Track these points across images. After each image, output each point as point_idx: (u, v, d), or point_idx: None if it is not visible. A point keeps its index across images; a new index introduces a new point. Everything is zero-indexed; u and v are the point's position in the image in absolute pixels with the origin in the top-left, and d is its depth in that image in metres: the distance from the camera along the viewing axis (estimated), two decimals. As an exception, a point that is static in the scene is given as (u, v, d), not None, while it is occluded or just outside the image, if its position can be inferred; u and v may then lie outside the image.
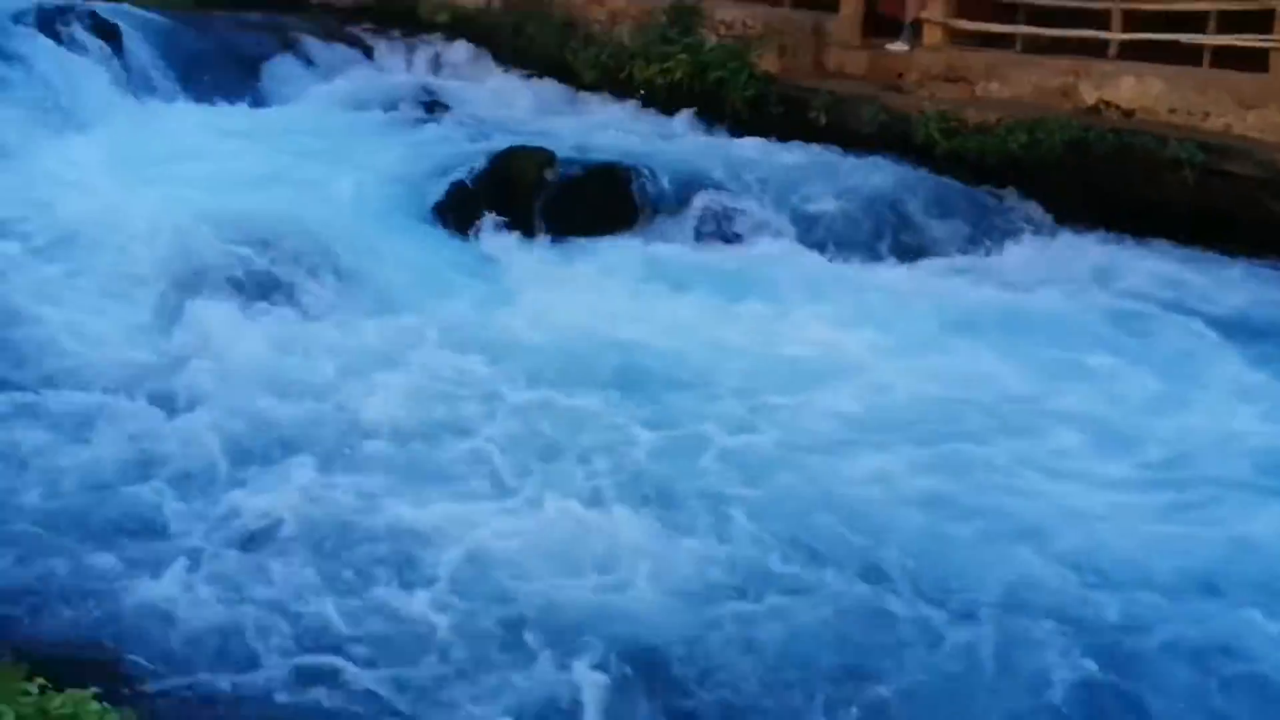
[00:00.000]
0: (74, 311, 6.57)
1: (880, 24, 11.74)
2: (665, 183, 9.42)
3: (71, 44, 11.38)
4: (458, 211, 9.09)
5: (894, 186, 9.29)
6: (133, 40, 12.10)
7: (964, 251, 8.97)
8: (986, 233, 9.05)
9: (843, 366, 6.82)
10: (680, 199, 9.27)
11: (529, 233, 9.01)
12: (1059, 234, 9.16)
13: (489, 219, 9.06)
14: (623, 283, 8.09)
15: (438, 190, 9.16)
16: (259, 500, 5.18)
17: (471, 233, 9.01)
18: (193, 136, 10.59)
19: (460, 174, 9.32)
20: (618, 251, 8.71)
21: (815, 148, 10.25)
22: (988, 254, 8.94)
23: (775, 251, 8.73)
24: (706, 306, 7.68)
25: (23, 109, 9.95)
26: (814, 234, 8.96)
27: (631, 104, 12.21)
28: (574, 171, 9.44)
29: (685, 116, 11.59)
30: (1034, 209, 9.29)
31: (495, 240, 8.94)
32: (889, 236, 8.91)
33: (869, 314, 7.61)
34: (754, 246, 8.82)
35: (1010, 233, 9.07)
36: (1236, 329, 7.54)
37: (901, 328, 7.35)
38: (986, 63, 10.18)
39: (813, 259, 8.72)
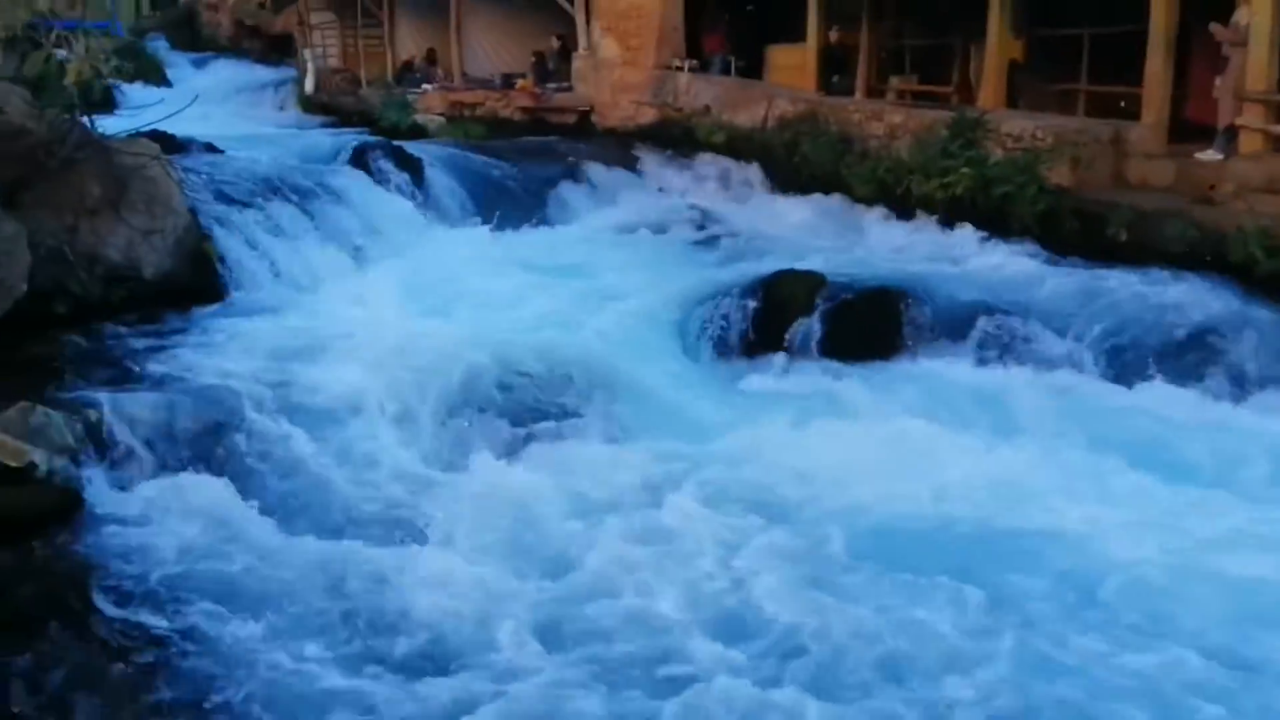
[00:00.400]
0: (358, 438, 6.86)
1: (1187, 131, 10.86)
2: (944, 304, 8.93)
3: (380, 177, 12.38)
4: (726, 337, 9.02)
5: (1209, 310, 8.32)
6: (433, 171, 13.05)
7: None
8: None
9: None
10: (960, 323, 8.73)
11: (801, 359, 8.75)
12: None
13: (759, 345, 8.93)
14: (909, 419, 7.52)
15: (706, 315, 9.13)
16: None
17: (741, 359, 8.88)
18: (481, 261, 11.16)
19: (729, 298, 9.25)
20: (894, 380, 8.27)
21: (1114, 267, 9.44)
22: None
23: (1074, 385, 7.99)
24: (1020, 458, 6.95)
25: (333, 238, 10.80)
26: (1120, 365, 8.14)
27: (909, 220, 11.86)
28: (846, 295, 9.12)
29: (967, 233, 11.10)
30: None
31: (766, 367, 8.77)
32: (1208, 367, 7.94)
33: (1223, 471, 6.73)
34: (1047, 378, 8.10)
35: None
36: None
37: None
38: (1318, 172, 9.10)
39: (1123, 395, 7.89)
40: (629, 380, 7.87)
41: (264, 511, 6.09)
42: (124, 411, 6.48)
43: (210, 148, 13.66)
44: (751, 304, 9.18)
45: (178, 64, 29.26)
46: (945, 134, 11.65)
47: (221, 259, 9.59)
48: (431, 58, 20.56)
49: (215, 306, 9.18)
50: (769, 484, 6.63)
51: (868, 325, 8.87)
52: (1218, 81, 10.19)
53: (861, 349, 8.73)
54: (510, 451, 7.01)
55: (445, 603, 5.34)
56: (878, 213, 12.32)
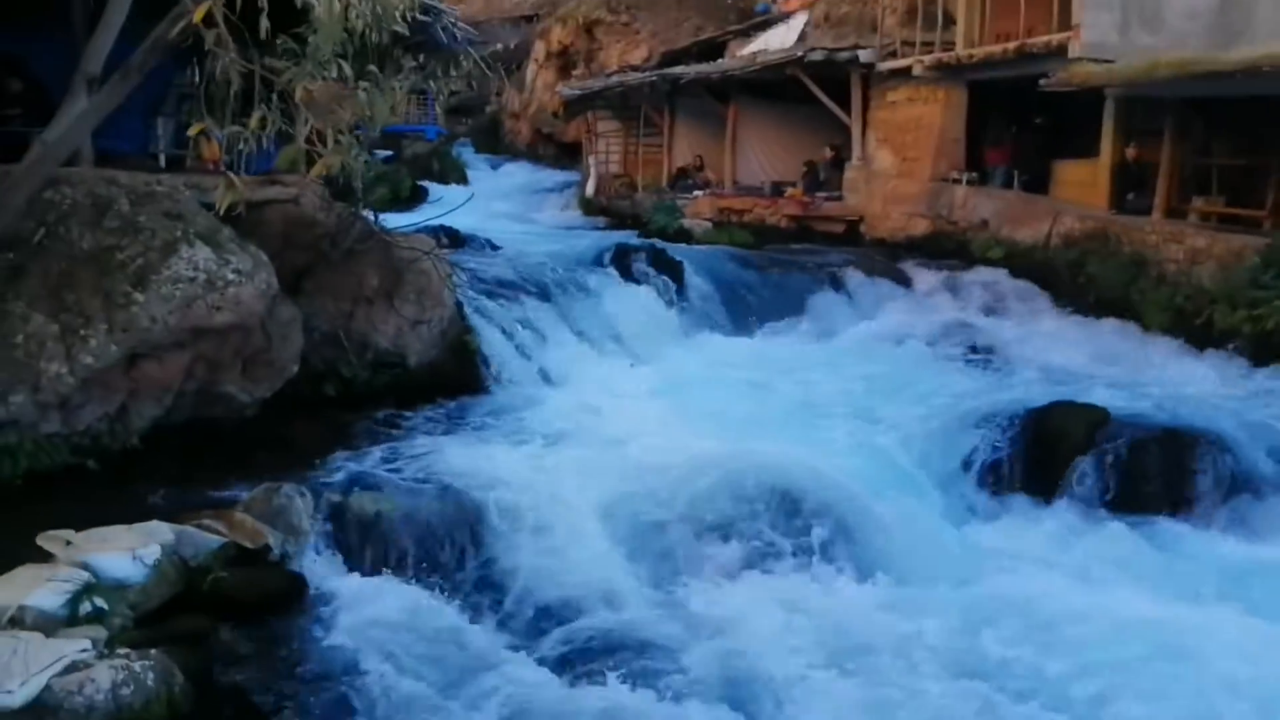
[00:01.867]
0: (582, 551, 6.67)
1: None
2: (1254, 457, 7.80)
3: (640, 279, 12.51)
4: (991, 473, 8.24)
5: None
6: (693, 275, 13.06)
7: None
8: None
9: None
10: (1270, 484, 7.58)
11: (1074, 505, 7.85)
12: None
13: (1027, 485, 8.12)
14: (1210, 607, 6.39)
15: (970, 446, 8.38)
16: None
17: (1004, 498, 8.09)
18: (732, 369, 10.94)
19: (997, 429, 8.47)
20: (1179, 540, 7.24)
21: None
22: None
23: None
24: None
25: (588, 338, 10.93)
26: None
27: (1210, 354, 10.70)
28: (1134, 434, 8.14)
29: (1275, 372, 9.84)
30: None
31: (1033, 513, 7.90)
32: None
33: None
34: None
35: None
36: None
37: None
38: None
39: None
40: (872, 513, 7.27)
41: (480, 621, 5.98)
42: (365, 501, 6.60)
43: (490, 244, 14.37)
44: (1020, 437, 8.37)
45: (478, 166, 31.54)
46: (1257, 261, 10.49)
47: (481, 352, 9.86)
48: (700, 164, 20.96)
49: (471, 399, 9.42)
50: (1015, 656, 5.82)
51: (1155, 474, 7.86)
52: None
53: (1146, 502, 7.72)
54: (731, 576, 6.60)
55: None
56: (1172, 343, 11.22)
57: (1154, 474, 7.83)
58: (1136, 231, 12.54)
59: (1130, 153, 13.85)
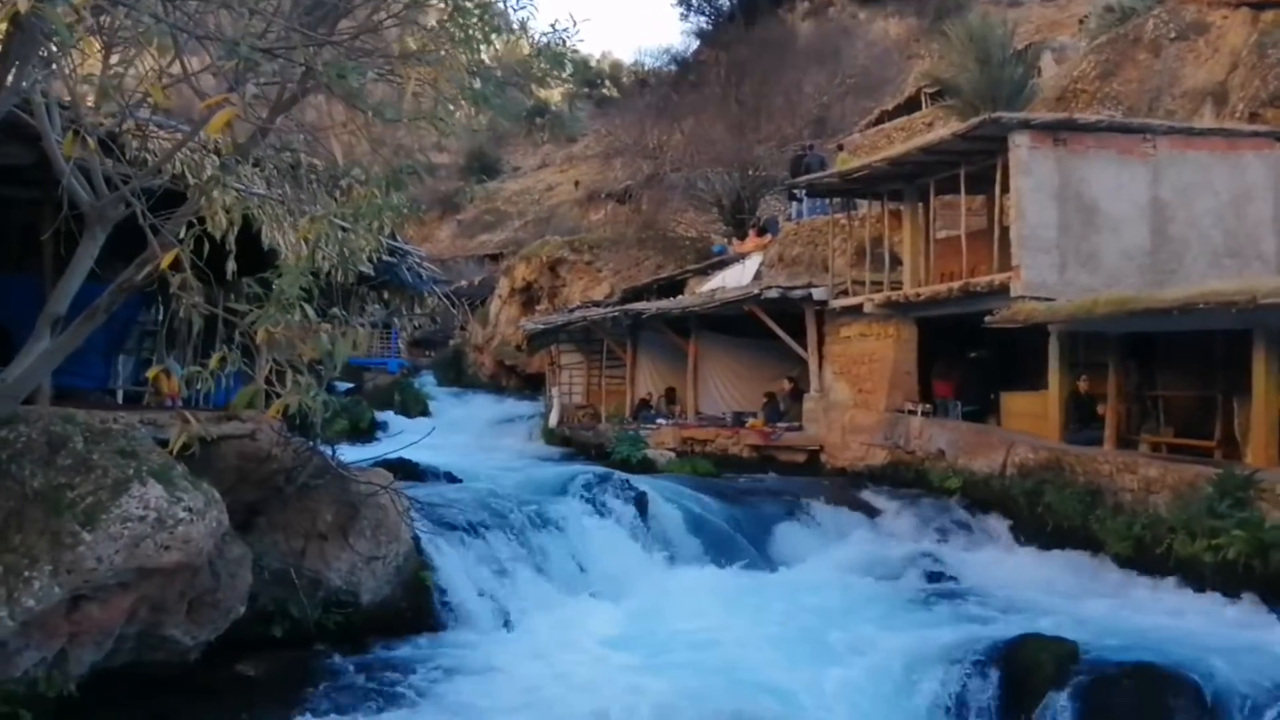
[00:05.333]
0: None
1: None
2: (1227, 694, 7.61)
3: (604, 511, 12.42)
4: (960, 712, 7.98)
5: None
6: (659, 505, 13.00)
7: None
8: None
9: None
10: (1248, 716, 7.38)
11: (1050, 747, 7.59)
12: None
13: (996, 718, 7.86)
14: None
15: (934, 686, 8.14)
16: None
17: (974, 735, 7.81)
18: (698, 603, 10.72)
19: (963, 665, 8.26)
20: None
21: None
22: None
23: None
24: None
25: (551, 573, 10.71)
26: None
27: (1170, 583, 10.69)
28: (1106, 670, 7.97)
29: (1245, 603, 9.81)
30: None
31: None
32: None
33: None
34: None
35: None
36: None
37: None
38: None
39: None
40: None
41: None
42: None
43: (449, 477, 14.28)
44: (990, 674, 8.16)
45: (441, 397, 31.83)
46: (1210, 491, 10.62)
47: (440, 589, 9.62)
48: (671, 396, 21.31)
49: (426, 639, 9.11)
50: None
51: (1130, 708, 7.64)
52: None
53: (1122, 738, 7.49)
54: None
55: None
56: (1132, 573, 11.19)
57: (1128, 711, 7.59)
58: (1090, 461, 12.72)
59: (1082, 385, 14.26)
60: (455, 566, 10.01)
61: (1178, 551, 10.63)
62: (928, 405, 16.04)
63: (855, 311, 17.02)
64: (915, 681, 8.29)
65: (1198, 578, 10.43)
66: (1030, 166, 14.31)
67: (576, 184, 43.82)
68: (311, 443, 8.92)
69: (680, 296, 21.96)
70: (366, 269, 7.04)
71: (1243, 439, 12.23)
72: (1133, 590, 10.85)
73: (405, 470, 12.96)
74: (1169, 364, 14.12)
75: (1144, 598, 10.58)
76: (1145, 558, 11.15)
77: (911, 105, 28.86)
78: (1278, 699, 7.39)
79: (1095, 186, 14.52)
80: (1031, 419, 14.73)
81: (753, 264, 21.90)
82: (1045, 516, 12.83)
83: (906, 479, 15.35)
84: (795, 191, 20.46)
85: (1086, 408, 14.24)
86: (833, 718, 7.54)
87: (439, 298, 10.65)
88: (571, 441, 22.03)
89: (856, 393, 17.02)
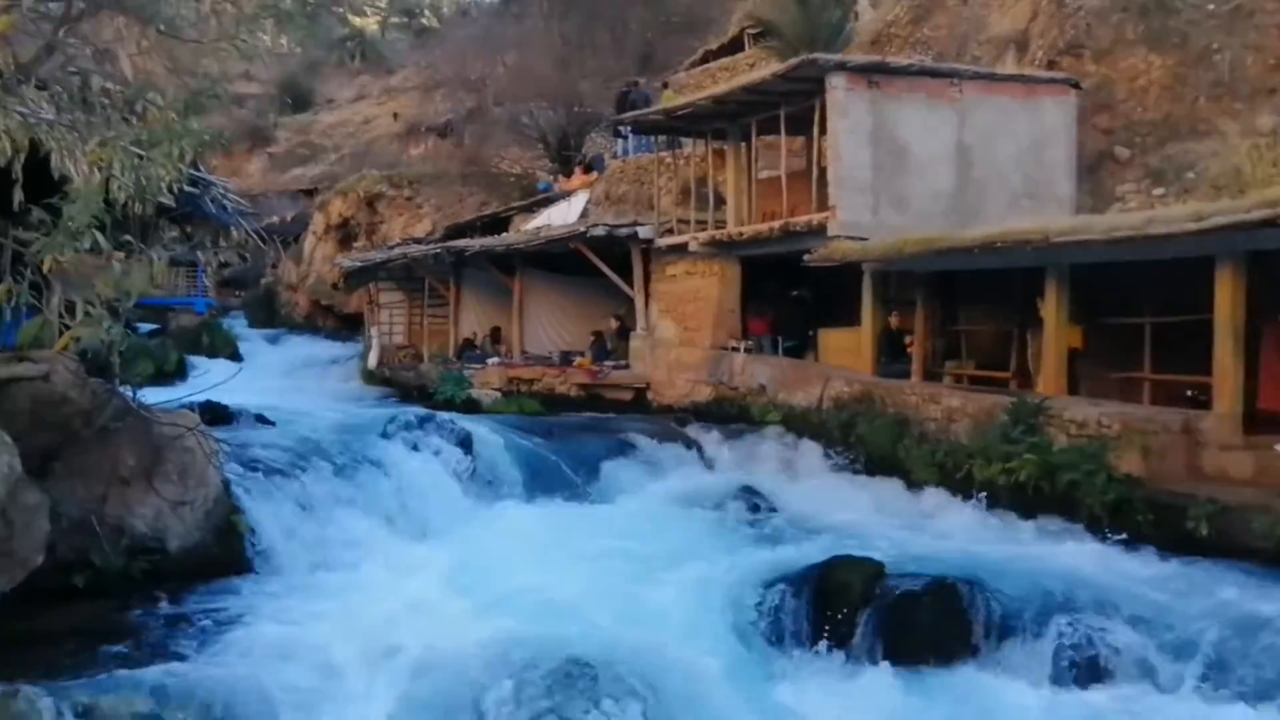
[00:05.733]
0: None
1: (1264, 421, 10.37)
2: (1012, 603, 8.18)
3: (428, 453, 12.21)
4: (774, 629, 8.33)
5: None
6: (483, 447, 12.87)
7: None
8: None
9: None
10: (1033, 624, 7.94)
11: (854, 658, 8.01)
12: None
13: (809, 639, 8.24)
14: None
15: (753, 604, 8.46)
16: None
17: (790, 654, 8.17)
18: (524, 539, 10.71)
19: (780, 587, 8.59)
20: (958, 688, 7.46)
21: (1198, 563, 8.74)
22: None
23: (1160, 702, 7.12)
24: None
25: (371, 513, 10.48)
26: (1208, 672, 7.27)
27: (971, 506, 11.33)
28: (907, 586, 8.44)
29: (1035, 522, 10.54)
30: None
31: (816, 665, 8.02)
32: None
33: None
34: (1131, 691, 7.24)
35: None
36: None
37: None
38: None
39: (1210, 708, 7.01)
40: (659, 677, 7.16)
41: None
42: (118, 704, 5.96)
43: (260, 419, 13.75)
44: (803, 595, 8.52)
45: (253, 339, 30.60)
46: (1005, 419, 11.31)
47: (252, 532, 9.29)
48: (496, 336, 21.10)
49: (239, 583, 8.80)
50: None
51: (930, 623, 8.13)
52: (1293, 371, 9.80)
53: (923, 651, 7.95)
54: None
55: None
56: (937, 496, 11.84)
57: (930, 622, 8.08)
58: (899, 393, 13.35)
59: (894, 321, 14.90)
60: (267, 511, 9.65)
61: (976, 476, 11.29)
62: (749, 342, 16.44)
63: (681, 250, 17.22)
64: (734, 604, 8.56)
65: (994, 500, 11.11)
66: (846, 108, 14.70)
67: (395, 116, 42.42)
68: (111, 385, 8.40)
69: (505, 234, 21.67)
70: (166, 200, 6.61)
71: (1035, 370, 13.06)
72: (936, 513, 11.48)
73: (214, 413, 12.38)
74: (972, 301, 14.91)
75: (946, 520, 11.20)
76: (948, 482, 11.81)
77: (735, 46, 29.09)
78: (1061, 607, 7.98)
79: (906, 129, 15.06)
80: (847, 354, 15.33)
81: (579, 201, 21.81)
82: (858, 446, 13.42)
83: (730, 414, 15.74)
84: (621, 128, 20.42)
85: (897, 343, 14.90)
86: (655, 641, 7.70)
87: (248, 233, 10.13)
88: (392, 383, 21.58)
89: (682, 331, 17.28)
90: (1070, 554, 9.50)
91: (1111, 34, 17.29)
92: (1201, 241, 9.92)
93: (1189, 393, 11.54)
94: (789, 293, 17.34)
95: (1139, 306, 12.32)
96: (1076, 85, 16.27)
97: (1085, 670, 7.51)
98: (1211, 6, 17.02)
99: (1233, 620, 7.56)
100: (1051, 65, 17.29)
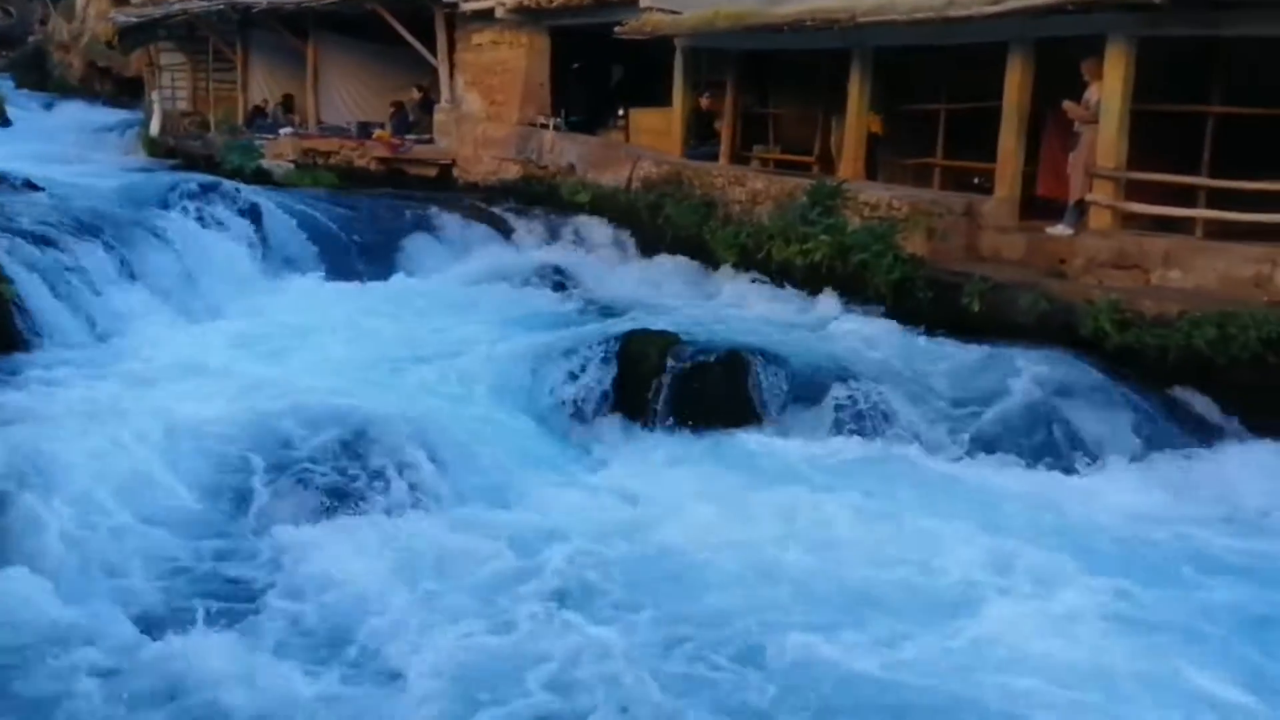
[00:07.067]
0: (147, 506, 6.09)
1: (1040, 207, 10.96)
2: (799, 371, 8.59)
3: (214, 223, 11.57)
4: (574, 397, 8.50)
5: (1057, 383, 8.21)
6: (274, 219, 12.28)
7: (1138, 459, 7.77)
8: (1167, 441, 7.84)
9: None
10: (815, 390, 8.40)
11: (648, 423, 8.31)
12: (1255, 444, 7.90)
13: (606, 406, 8.46)
14: (751, 488, 7.16)
15: (554, 374, 8.59)
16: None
17: (588, 420, 8.39)
18: (322, 314, 10.50)
19: (579, 358, 8.73)
20: (744, 447, 7.87)
21: (967, 336, 9.35)
22: (1166, 464, 7.71)
23: (918, 454, 7.74)
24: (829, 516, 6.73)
25: (153, 285, 9.97)
26: (965, 434, 7.93)
27: (770, 285, 11.68)
28: (700, 357, 8.71)
29: (826, 299, 10.96)
30: (1225, 415, 8.11)
31: (612, 430, 8.30)
32: (1049, 441, 7.80)
33: (1032, 533, 6.51)
34: (897, 446, 7.82)
35: (1195, 442, 7.85)
36: None
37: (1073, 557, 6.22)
38: (1164, 249, 9.18)
39: (965, 464, 7.68)
40: (460, 440, 7.26)
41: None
42: None
43: (30, 185, 12.66)
44: (601, 363, 8.69)
45: (24, 104, 27.94)
46: (805, 201, 11.54)
47: (19, 304, 8.66)
48: (289, 104, 19.80)
49: (11, 357, 8.28)
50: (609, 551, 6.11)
51: (720, 390, 8.47)
52: (1070, 158, 10.30)
53: (713, 415, 8.30)
54: (314, 520, 6.29)
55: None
56: (739, 276, 12.11)
57: (720, 389, 8.42)
58: (706, 175, 13.38)
59: (704, 102, 14.74)
60: (39, 280, 9.03)
61: (775, 256, 11.54)
62: (559, 119, 16.02)
63: (488, 17, 16.34)
64: (537, 375, 8.69)
65: (791, 279, 11.46)
66: None
67: None
68: None
69: (299, -7, 19.97)
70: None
71: (837, 154, 13.30)
72: (736, 291, 11.77)
73: (-26, 178, 11.31)
74: (782, 84, 14.90)
75: (745, 297, 11.53)
76: (749, 262, 12.03)
77: None
78: (837, 376, 8.46)
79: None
80: (658, 135, 15.15)
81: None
82: (665, 227, 13.45)
83: (538, 193, 15.45)
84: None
85: (707, 125, 14.82)
86: (464, 412, 7.77)
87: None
88: (177, 152, 20.10)
89: (489, 105, 16.64)
90: (855, 329, 9.98)
91: None
92: (996, 25, 10.12)
93: (976, 180, 12.05)
94: (609, 68, 16.86)
95: (937, 95, 12.61)
96: None
97: (860, 430, 8.02)
98: None
99: (988, 387, 8.21)
100: None
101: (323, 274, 12.07)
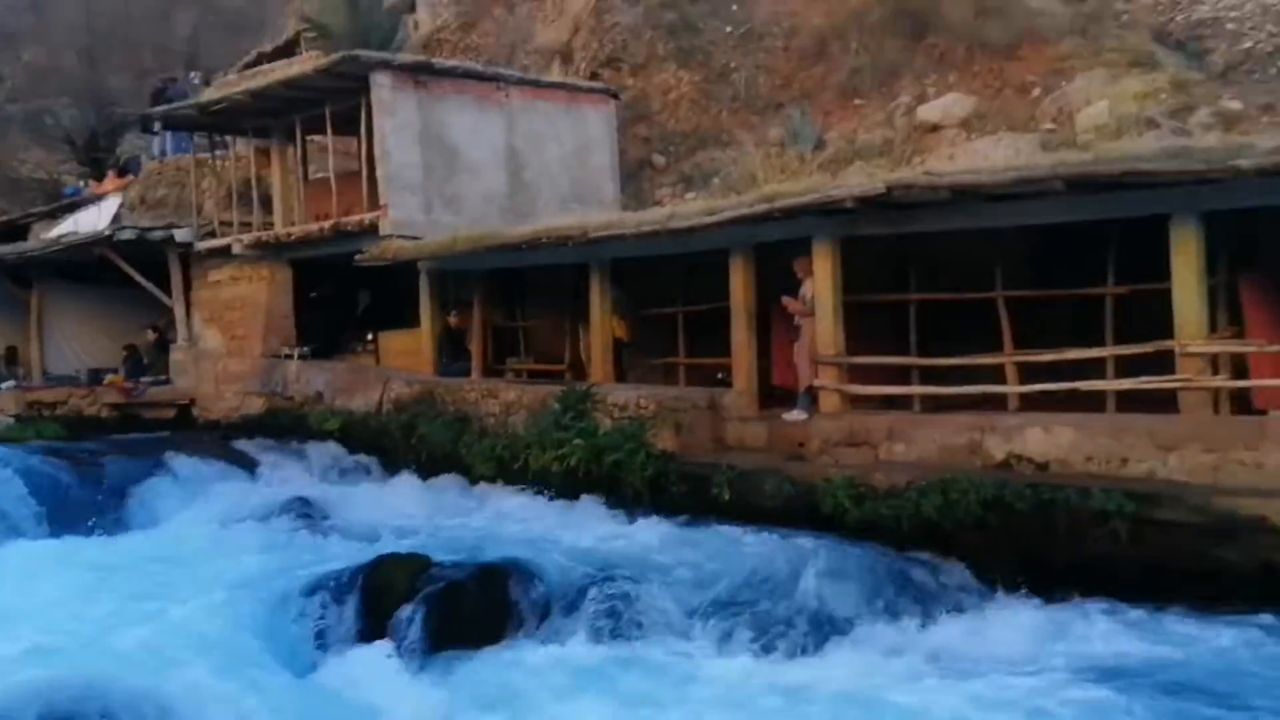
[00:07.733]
0: None
1: (779, 395, 11.47)
2: (557, 579, 8.40)
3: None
4: (318, 633, 7.96)
5: (803, 562, 8.35)
6: (-6, 478, 11.31)
7: (888, 623, 7.91)
8: (911, 605, 8.06)
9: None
10: (574, 595, 8.20)
11: (399, 652, 7.79)
12: (989, 600, 8.22)
13: (354, 639, 7.93)
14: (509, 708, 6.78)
15: (295, 620, 8.01)
16: None
17: (333, 657, 7.80)
18: (46, 580, 9.49)
19: (322, 593, 8.21)
20: (499, 666, 7.50)
21: (719, 526, 9.49)
22: (914, 629, 7.87)
23: (680, 649, 7.58)
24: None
25: None
26: (720, 624, 7.83)
27: (529, 494, 11.58)
28: (454, 576, 8.38)
29: (586, 503, 10.94)
30: (960, 574, 8.44)
31: (361, 664, 7.68)
32: (798, 618, 7.83)
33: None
34: (656, 644, 7.65)
35: (937, 604, 8.11)
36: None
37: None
38: (888, 425, 9.72)
39: (721, 659, 7.52)
40: (192, 697, 6.55)
41: None
42: None
43: None
44: (348, 599, 8.19)
45: None
46: (557, 407, 11.64)
47: None
48: (12, 356, 18.59)
49: None
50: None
51: (477, 608, 8.13)
52: (795, 348, 10.90)
53: (470, 634, 7.92)
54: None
55: None
56: (496, 489, 11.97)
57: (477, 608, 8.09)
58: (459, 391, 13.35)
59: (453, 320, 14.87)
60: None
61: (532, 465, 11.51)
62: (305, 349, 15.74)
63: (224, 254, 16.14)
64: (277, 618, 8.06)
65: (549, 486, 11.39)
66: (393, 108, 14.53)
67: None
68: None
69: (20, 243, 19.15)
70: None
71: (587, 361, 13.60)
72: (494, 505, 11.57)
73: None
74: (532, 297, 15.28)
75: (503, 510, 11.34)
76: (506, 474, 11.95)
77: (291, 48, 27.92)
78: (595, 580, 8.30)
79: (456, 131, 15.16)
80: (408, 356, 15.12)
81: (111, 206, 19.83)
82: (420, 447, 13.23)
83: (286, 425, 14.99)
84: (154, 126, 18.77)
85: (458, 342, 14.91)
86: (181, 659, 7.04)
87: None
88: (-116, 416, 18.36)
89: (229, 339, 16.20)
90: (614, 531, 9.95)
91: (646, 50, 18.55)
92: (716, 234, 10.81)
93: (718, 375, 12.53)
94: (310, 294, 16.85)
95: (674, 299, 13.22)
96: (615, 95, 17.25)
97: (618, 631, 7.82)
98: (729, 29, 18.76)
99: (740, 572, 8.27)
100: (594, 77, 18.21)
101: (43, 533, 11.15)
